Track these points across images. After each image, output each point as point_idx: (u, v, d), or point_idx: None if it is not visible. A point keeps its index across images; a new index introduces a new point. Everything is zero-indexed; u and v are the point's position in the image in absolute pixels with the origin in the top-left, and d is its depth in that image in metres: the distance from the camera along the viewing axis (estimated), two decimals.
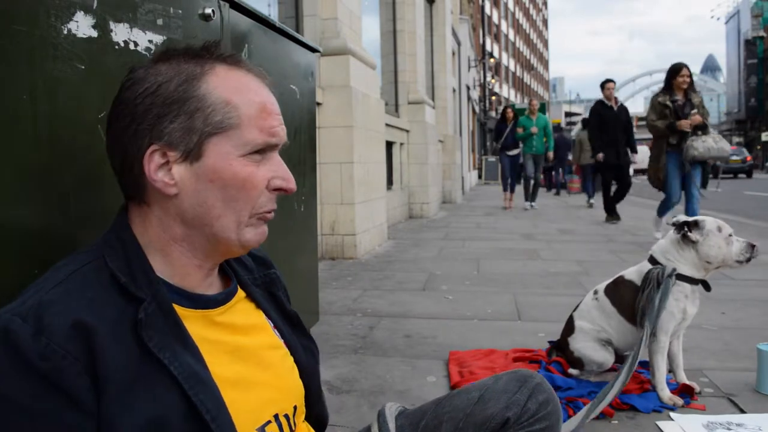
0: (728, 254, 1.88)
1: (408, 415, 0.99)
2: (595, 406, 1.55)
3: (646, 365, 2.01)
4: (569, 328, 2.10)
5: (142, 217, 0.78)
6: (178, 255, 0.78)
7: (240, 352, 0.81)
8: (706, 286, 1.92)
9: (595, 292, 2.09)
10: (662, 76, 5.66)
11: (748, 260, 1.89)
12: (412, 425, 0.96)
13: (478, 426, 0.91)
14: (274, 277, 0.97)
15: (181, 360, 0.70)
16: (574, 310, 2.13)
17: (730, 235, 1.90)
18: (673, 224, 1.95)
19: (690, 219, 1.93)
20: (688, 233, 1.89)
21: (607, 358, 1.99)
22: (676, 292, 1.88)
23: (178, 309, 0.75)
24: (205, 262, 0.80)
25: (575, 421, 1.49)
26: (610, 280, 2.08)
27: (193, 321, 0.77)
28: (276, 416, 0.82)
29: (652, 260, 1.96)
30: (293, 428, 0.85)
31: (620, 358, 2.02)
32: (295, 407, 0.87)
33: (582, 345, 2.02)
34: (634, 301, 1.93)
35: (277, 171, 0.80)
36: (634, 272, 2.00)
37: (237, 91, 0.77)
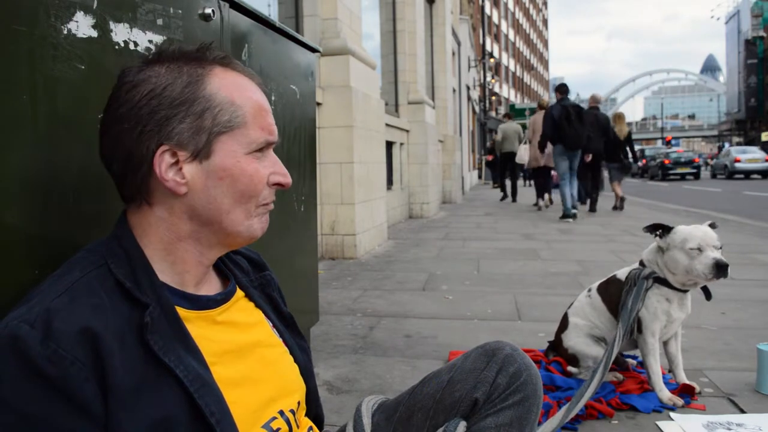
0: (690, 268, 1.79)
1: (385, 408, 0.97)
2: (574, 405, 1.54)
3: None
4: (563, 325, 2.11)
5: (143, 220, 0.78)
6: (181, 253, 0.79)
7: (242, 350, 0.82)
8: (707, 294, 1.91)
9: (589, 290, 2.11)
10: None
11: (719, 277, 1.77)
12: (388, 419, 0.94)
13: (447, 411, 0.88)
14: (269, 279, 0.98)
15: (185, 363, 0.71)
16: (569, 308, 2.14)
17: (696, 249, 1.79)
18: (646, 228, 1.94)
19: (666, 224, 1.91)
20: (657, 237, 1.88)
21: (600, 352, 1.99)
22: (657, 294, 1.88)
23: (180, 311, 0.76)
24: (207, 257, 0.82)
25: (556, 421, 1.48)
26: (605, 278, 2.09)
27: (194, 322, 0.77)
28: (281, 412, 0.83)
29: (641, 262, 1.97)
30: (298, 423, 0.86)
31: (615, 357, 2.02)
32: (298, 403, 0.88)
33: (575, 341, 2.03)
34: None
35: (275, 167, 0.83)
36: (624, 272, 2.02)
37: (237, 90, 0.80)
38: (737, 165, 23.97)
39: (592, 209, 8.70)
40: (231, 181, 0.78)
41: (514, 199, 11.47)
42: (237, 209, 0.80)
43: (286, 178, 0.84)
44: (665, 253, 1.86)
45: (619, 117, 8.98)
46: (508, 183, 12.09)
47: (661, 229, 1.89)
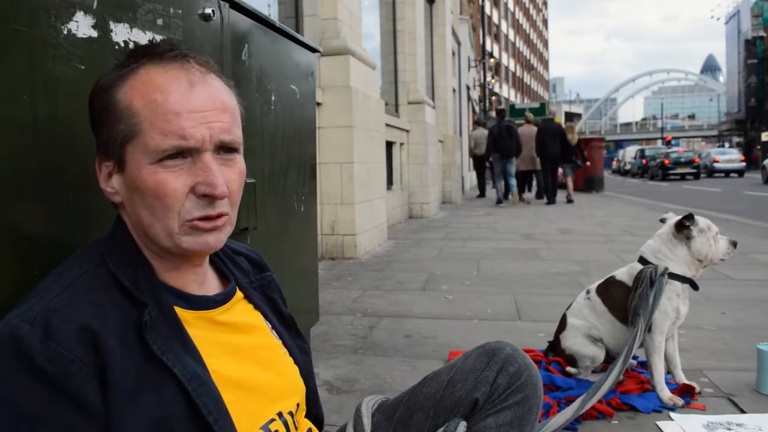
0: (715, 252, 1.93)
1: (385, 409, 0.97)
2: (590, 398, 1.54)
3: (646, 365, 2.01)
4: (562, 325, 2.11)
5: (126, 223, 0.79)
6: (153, 257, 0.78)
7: (241, 351, 0.81)
8: (694, 286, 1.94)
9: (588, 292, 2.11)
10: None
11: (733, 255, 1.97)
12: (388, 419, 0.94)
13: (448, 412, 0.88)
14: (270, 280, 0.97)
15: (183, 362, 0.71)
16: (567, 309, 2.14)
17: (716, 233, 1.95)
18: (681, 219, 1.96)
19: (688, 215, 1.94)
20: (690, 227, 1.91)
21: (598, 352, 2.00)
22: (668, 291, 1.89)
23: (179, 311, 0.75)
24: (178, 263, 0.79)
25: (570, 412, 1.48)
26: (602, 280, 2.09)
27: (193, 323, 0.77)
28: (280, 414, 0.82)
29: (642, 260, 1.97)
30: (297, 425, 0.86)
31: (612, 359, 2.03)
32: (297, 404, 0.87)
33: (572, 342, 2.04)
34: (624, 301, 1.94)
35: (200, 176, 0.73)
36: (624, 273, 2.02)
37: (142, 93, 0.73)
38: (716, 165, 26.69)
39: (551, 201, 10.46)
40: (140, 193, 0.73)
41: (482, 194, 13.30)
42: (155, 224, 0.74)
43: (212, 188, 0.72)
44: (693, 240, 1.92)
45: (571, 128, 11.31)
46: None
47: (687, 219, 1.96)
